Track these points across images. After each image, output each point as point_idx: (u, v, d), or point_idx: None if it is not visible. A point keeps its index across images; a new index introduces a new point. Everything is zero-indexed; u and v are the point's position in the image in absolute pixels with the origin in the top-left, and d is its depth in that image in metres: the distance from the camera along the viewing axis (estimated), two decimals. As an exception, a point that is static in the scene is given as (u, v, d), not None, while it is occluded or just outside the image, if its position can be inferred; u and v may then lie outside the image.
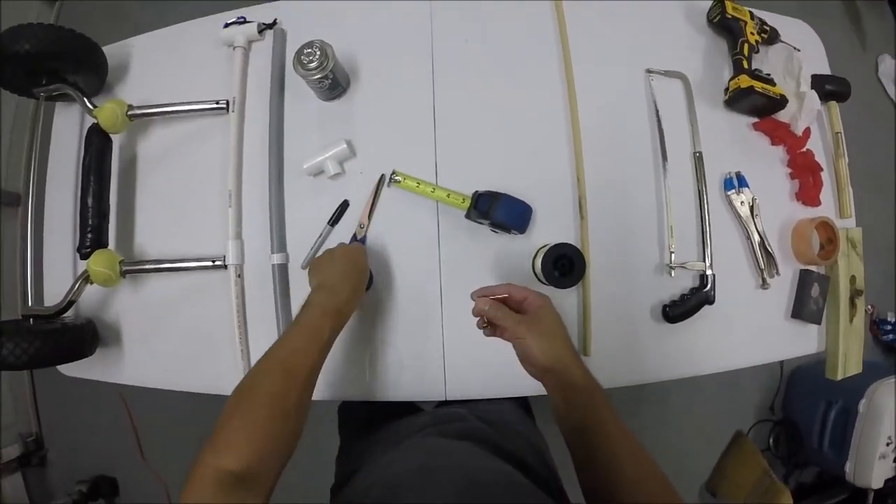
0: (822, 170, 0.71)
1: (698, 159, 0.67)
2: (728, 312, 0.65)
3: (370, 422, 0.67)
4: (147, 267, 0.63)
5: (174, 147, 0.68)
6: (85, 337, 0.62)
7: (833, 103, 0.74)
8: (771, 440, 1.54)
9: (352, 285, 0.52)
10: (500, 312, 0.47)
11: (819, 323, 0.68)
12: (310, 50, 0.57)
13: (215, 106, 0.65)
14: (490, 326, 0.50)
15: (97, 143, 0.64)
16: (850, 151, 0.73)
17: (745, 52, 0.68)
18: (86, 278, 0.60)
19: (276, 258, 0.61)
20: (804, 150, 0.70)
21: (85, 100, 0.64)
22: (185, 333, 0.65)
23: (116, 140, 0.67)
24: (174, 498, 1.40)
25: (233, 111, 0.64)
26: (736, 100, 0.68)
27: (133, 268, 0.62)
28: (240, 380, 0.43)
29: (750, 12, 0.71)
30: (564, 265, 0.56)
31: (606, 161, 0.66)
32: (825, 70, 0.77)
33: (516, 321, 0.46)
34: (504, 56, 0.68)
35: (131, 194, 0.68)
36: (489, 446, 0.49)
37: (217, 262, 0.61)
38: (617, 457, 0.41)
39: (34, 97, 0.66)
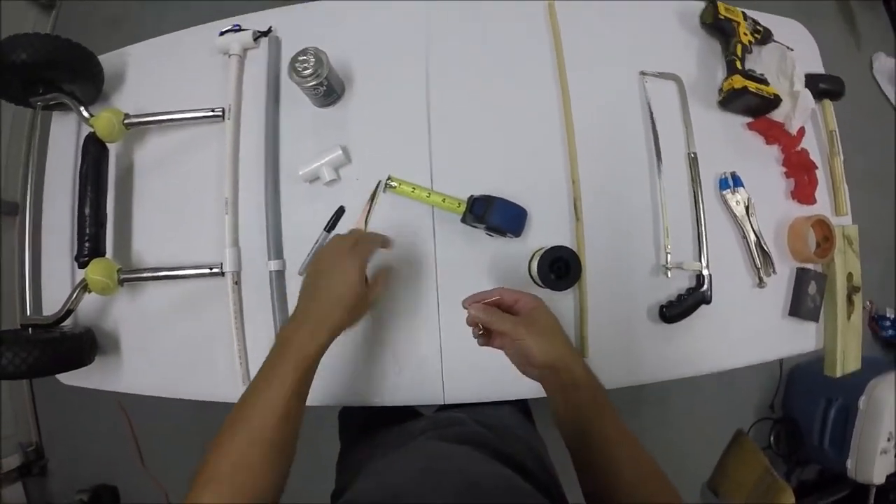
0: (817, 168, 0.71)
1: (693, 160, 0.67)
2: (725, 312, 0.65)
3: (370, 427, 0.67)
4: (145, 275, 0.63)
5: (170, 155, 0.68)
6: (84, 346, 0.62)
7: (827, 102, 0.74)
8: (771, 438, 1.54)
9: (333, 315, 0.44)
10: (494, 317, 0.46)
11: (817, 321, 0.69)
12: (304, 57, 0.57)
13: (211, 114, 0.65)
14: (485, 335, 0.49)
15: (94, 152, 0.64)
16: (845, 150, 0.73)
17: (739, 52, 0.69)
18: (84, 287, 0.60)
19: (273, 265, 0.62)
20: (799, 148, 0.71)
21: (81, 109, 0.64)
22: (184, 341, 0.65)
23: (113, 149, 0.67)
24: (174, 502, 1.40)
25: (228, 119, 0.65)
26: (730, 100, 0.68)
27: (131, 276, 0.62)
28: (235, 401, 0.41)
29: (743, 13, 0.72)
30: (560, 268, 0.56)
31: (601, 163, 0.66)
32: (819, 69, 0.77)
33: (513, 322, 0.45)
34: (497, 60, 0.68)
35: (128, 203, 0.68)
36: (489, 450, 0.49)
37: (214, 270, 0.62)
38: (617, 459, 0.41)
39: (31, 107, 0.66)
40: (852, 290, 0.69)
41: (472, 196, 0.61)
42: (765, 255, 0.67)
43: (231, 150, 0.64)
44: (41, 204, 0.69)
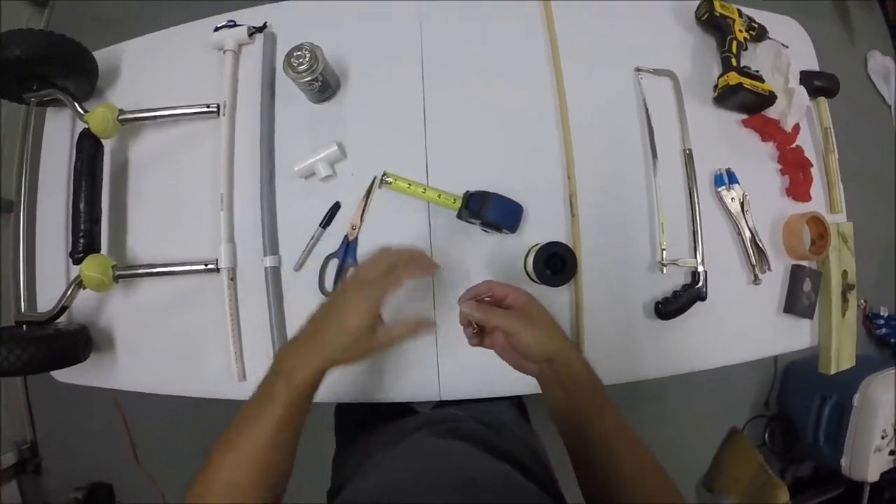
0: (812, 165, 0.71)
1: (688, 156, 0.68)
2: (720, 309, 0.65)
3: (366, 424, 0.67)
4: (140, 271, 0.63)
5: (165, 151, 0.68)
6: (78, 343, 0.62)
7: (822, 99, 0.74)
8: (766, 436, 1.55)
9: (326, 348, 0.41)
10: (488, 313, 0.44)
11: (811, 318, 0.69)
12: (299, 52, 0.57)
13: (206, 110, 0.65)
14: (478, 335, 0.48)
15: (88, 148, 0.63)
16: (840, 147, 0.73)
17: (734, 49, 0.69)
18: (78, 283, 0.60)
19: (269, 261, 0.61)
20: (794, 145, 0.71)
21: (76, 105, 0.64)
22: (179, 338, 0.64)
23: (108, 145, 0.66)
24: (170, 502, 1.39)
25: (224, 115, 0.64)
26: (725, 97, 0.69)
27: (126, 272, 0.62)
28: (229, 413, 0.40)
29: (738, 10, 0.72)
30: (556, 263, 0.56)
31: (597, 159, 0.66)
32: (814, 66, 0.77)
33: (509, 317, 0.43)
34: (493, 56, 0.68)
35: (123, 199, 0.68)
36: (486, 447, 0.49)
37: (210, 266, 0.61)
38: (616, 454, 0.41)
39: (25, 103, 0.65)
40: (847, 288, 0.70)
41: (467, 192, 0.61)
42: (760, 251, 0.67)
43: (226, 145, 0.64)
44: (36, 201, 0.68)
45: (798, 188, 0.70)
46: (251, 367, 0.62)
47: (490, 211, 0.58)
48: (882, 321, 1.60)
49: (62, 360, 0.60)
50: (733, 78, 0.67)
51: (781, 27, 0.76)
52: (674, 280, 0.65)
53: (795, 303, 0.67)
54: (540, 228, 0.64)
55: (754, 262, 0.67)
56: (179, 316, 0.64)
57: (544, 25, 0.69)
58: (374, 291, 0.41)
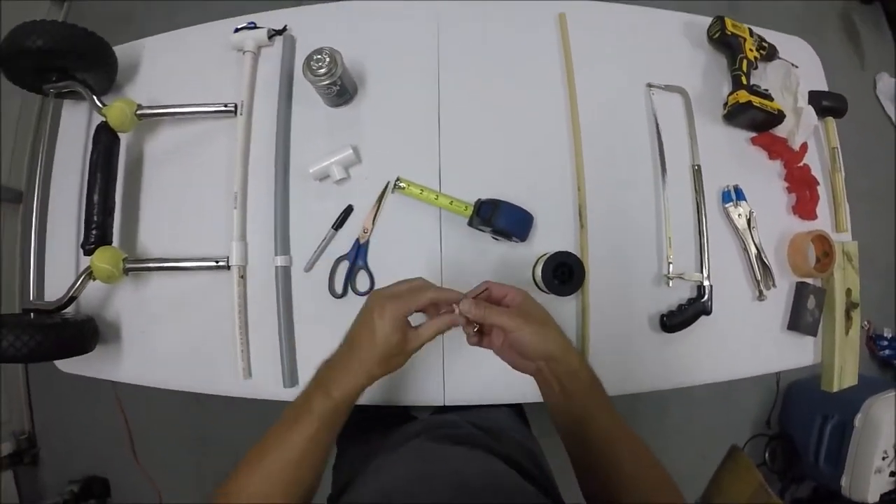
0: (818, 184, 0.72)
1: (697, 172, 0.68)
2: (725, 323, 0.66)
3: (366, 431, 0.67)
4: (150, 265, 0.63)
5: (181, 148, 0.69)
6: (85, 333, 0.62)
7: (830, 119, 0.75)
8: (767, 455, 1.54)
9: (364, 366, 0.42)
10: (486, 310, 0.43)
11: (815, 335, 0.69)
12: (319, 56, 0.58)
13: (223, 109, 0.66)
14: (477, 334, 0.48)
15: (105, 141, 0.64)
16: (848, 168, 0.74)
17: (744, 67, 0.70)
18: (89, 274, 0.60)
19: (280, 260, 0.62)
20: (801, 164, 0.71)
21: (94, 98, 0.65)
22: (186, 333, 0.65)
23: (124, 139, 0.67)
24: (166, 501, 1.38)
25: (241, 114, 0.65)
26: (734, 114, 0.69)
27: (136, 265, 0.63)
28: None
29: (749, 29, 0.73)
30: (564, 273, 0.57)
31: (607, 172, 0.67)
32: (823, 87, 0.78)
33: (506, 315, 0.43)
34: (508, 68, 0.69)
35: (136, 193, 0.68)
36: (484, 451, 0.49)
37: (221, 263, 0.62)
38: (616, 453, 0.41)
39: (43, 93, 0.66)
40: (851, 306, 0.70)
41: (479, 199, 0.61)
42: (765, 268, 0.67)
43: (242, 145, 0.65)
44: (49, 191, 0.69)
45: (804, 206, 0.71)
46: (257, 365, 0.62)
47: (501, 219, 0.59)
48: (886, 342, 1.59)
49: (68, 349, 0.60)
50: (743, 96, 0.68)
51: (791, 47, 0.78)
52: (679, 293, 0.65)
53: (799, 320, 0.67)
54: (549, 238, 0.64)
55: (759, 278, 0.67)
56: (187, 312, 0.65)
57: (559, 39, 0.70)
58: (400, 304, 0.42)
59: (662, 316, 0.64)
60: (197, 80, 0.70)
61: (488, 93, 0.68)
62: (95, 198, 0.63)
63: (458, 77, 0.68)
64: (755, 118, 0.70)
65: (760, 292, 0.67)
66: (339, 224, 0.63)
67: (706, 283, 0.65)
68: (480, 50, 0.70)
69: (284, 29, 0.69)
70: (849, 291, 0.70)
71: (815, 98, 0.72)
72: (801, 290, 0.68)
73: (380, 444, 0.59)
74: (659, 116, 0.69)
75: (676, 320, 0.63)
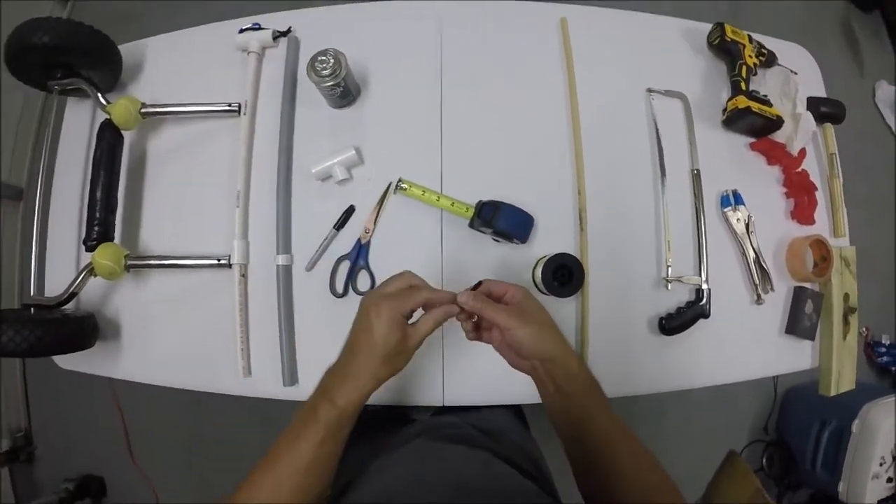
0: (816, 189, 0.72)
1: (696, 176, 0.69)
2: (723, 326, 0.66)
3: (365, 433, 0.67)
4: (152, 262, 0.64)
5: (184, 146, 0.69)
6: (85, 329, 0.62)
7: (828, 125, 0.76)
8: (764, 460, 1.54)
9: (367, 369, 0.41)
10: (486, 305, 0.43)
11: (813, 339, 0.69)
12: (324, 57, 0.58)
13: (227, 108, 0.66)
14: (475, 330, 0.47)
15: (109, 138, 0.64)
16: (846, 175, 0.74)
17: (743, 73, 0.71)
18: (90, 271, 0.60)
19: (281, 259, 0.62)
20: (799, 169, 0.72)
21: (99, 95, 0.65)
22: (186, 331, 0.65)
23: (127, 137, 0.67)
24: (163, 501, 1.38)
25: (244, 114, 0.66)
26: (733, 120, 0.70)
27: (138, 262, 0.63)
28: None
29: (749, 36, 0.74)
30: (564, 275, 0.57)
31: (607, 175, 0.67)
32: (821, 93, 0.79)
33: (506, 313, 0.43)
34: (510, 71, 0.70)
35: (139, 191, 0.69)
36: (484, 451, 0.49)
37: (222, 261, 0.62)
38: (614, 454, 0.41)
39: (48, 90, 0.66)
40: (848, 311, 0.70)
41: (480, 201, 0.62)
42: (763, 272, 0.68)
43: (245, 144, 0.65)
44: (51, 188, 0.69)
45: (802, 211, 0.71)
46: (257, 364, 0.62)
47: (502, 220, 0.59)
48: (884, 349, 1.59)
49: (68, 345, 0.60)
50: (742, 101, 0.68)
51: (791, 54, 0.78)
52: (678, 296, 0.66)
53: (797, 324, 0.68)
54: (549, 241, 0.65)
55: (757, 282, 0.67)
56: (187, 310, 0.65)
57: (560, 43, 0.71)
58: (396, 303, 0.42)
59: (661, 319, 0.64)
60: (200, 80, 0.71)
61: (490, 96, 0.69)
62: (98, 194, 0.63)
63: (460, 80, 0.69)
64: (754, 123, 0.70)
65: (758, 296, 0.67)
66: (340, 224, 0.64)
67: (705, 286, 0.65)
68: (482, 53, 0.70)
69: (289, 30, 0.70)
70: (846, 296, 0.71)
71: (813, 104, 0.72)
72: (798, 295, 0.69)
73: (380, 446, 0.59)
74: (659, 121, 0.70)
75: (675, 323, 0.64)
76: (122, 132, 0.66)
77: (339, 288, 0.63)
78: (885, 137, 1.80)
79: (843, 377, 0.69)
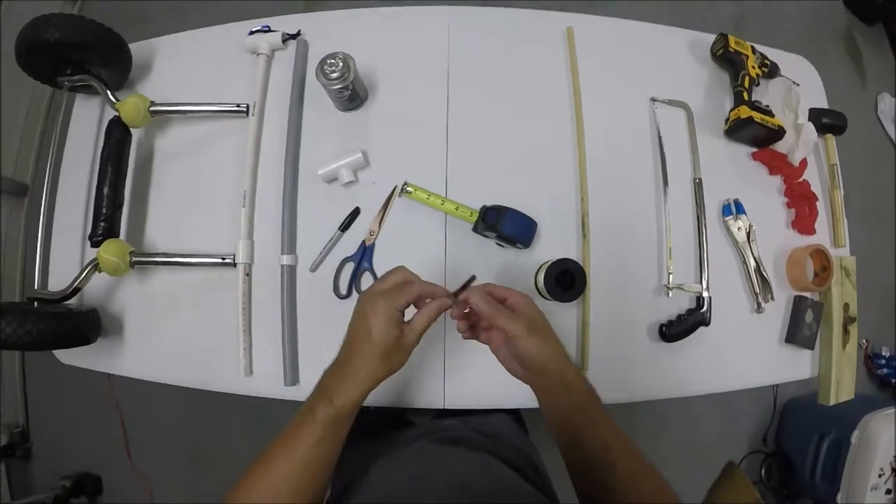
0: (817, 200, 0.73)
1: (698, 185, 0.69)
2: (723, 334, 0.66)
3: (364, 435, 0.67)
4: (157, 259, 0.64)
5: (191, 145, 0.70)
6: (88, 324, 0.62)
7: (830, 136, 0.77)
8: (763, 472, 1.53)
9: (365, 366, 0.41)
10: (495, 309, 0.43)
11: (812, 348, 0.70)
12: (333, 60, 0.59)
13: (236, 109, 0.67)
14: (470, 329, 0.47)
15: (117, 135, 0.65)
16: (848, 186, 0.75)
17: (746, 84, 0.71)
18: (95, 266, 0.61)
19: (286, 259, 0.63)
20: (801, 180, 0.73)
21: (108, 93, 0.66)
22: (188, 329, 0.65)
23: (135, 134, 0.68)
24: (158, 501, 1.37)
25: (253, 115, 0.66)
26: (736, 129, 0.71)
27: (143, 259, 0.63)
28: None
29: (752, 47, 0.75)
30: (566, 280, 0.58)
31: (610, 183, 0.68)
32: (823, 104, 0.80)
33: (513, 320, 0.42)
34: (516, 78, 0.71)
35: (145, 188, 0.69)
36: (485, 453, 0.49)
37: (227, 260, 0.62)
38: (612, 460, 0.41)
39: (58, 86, 0.67)
40: (848, 321, 0.71)
41: (484, 205, 0.62)
42: (764, 281, 0.68)
43: (253, 145, 0.66)
44: (57, 183, 0.70)
45: (803, 221, 0.72)
46: (258, 363, 0.63)
47: (506, 224, 0.60)
48: (883, 361, 1.59)
49: (70, 339, 0.60)
50: (744, 111, 0.69)
51: (793, 65, 0.79)
52: (679, 304, 0.66)
53: (797, 333, 0.68)
54: (551, 246, 0.65)
55: (758, 291, 0.68)
56: (191, 308, 0.65)
57: (566, 51, 0.72)
58: (392, 300, 0.41)
59: (662, 325, 0.65)
60: (208, 81, 0.72)
61: (495, 102, 0.69)
62: (105, 191, 0.63)
63: (466, 86, 0.70)
64: (756, 133, 0.71)
65: (759, 305, 0.68)
66: (345, 226, 0.64)
67: (705, 294, 0.65)
68: (489, 61, 0.71)
69: (298, 33, 0.71)
70: (846, 306, 0.71)
71: (815, 115, 0.73)
72: (799, 304, 0.69)
73: (380, 449, 0.60)
74: (662, 130, 0.71)
75: (676, 330, 0.64)
76: (131, 129, 0.67)
77: (343, 289, 0.63)
78: (886, 150, 1.80)
79: (843, 386, 0.69)
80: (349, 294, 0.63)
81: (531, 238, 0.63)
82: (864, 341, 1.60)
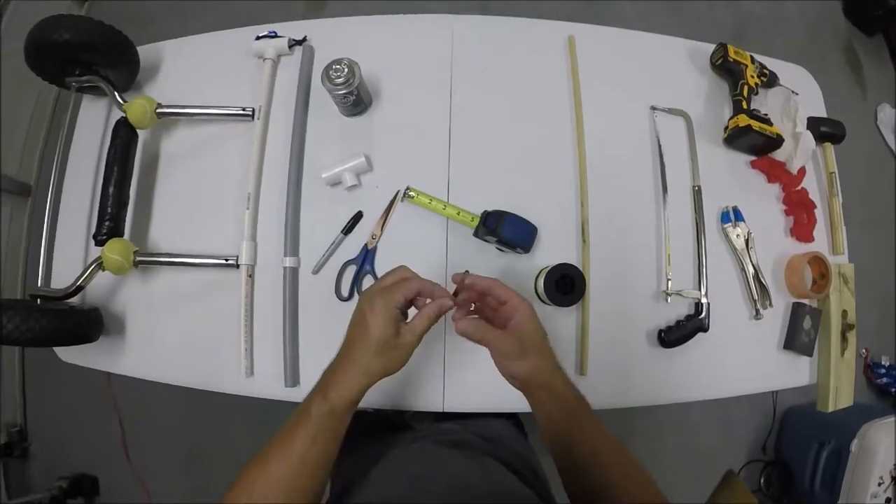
0: (815, 207, 0.73)
1: (697, 193, 0.70)
2: (722, 341, 0.67)
3: (363, 438, 0.67)
4: (160, 259, 0.65)
5: (196, 148, 0.71)
6: (90, 322, 0.62)
7: (828, 145, 0.77)
8: (762, 480, 1.53)
9: (360, 363, 0.41)
10: (487, 331, 0.43)
11: (811, 355, 0.70)
12: (338, 66, 0.60)
13: (241, 112, 0.68)
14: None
15: (124, 136, 0.66)
16: (847, 195, 0.76)
17: (745, 93, 0.72)
18: (98, 264, 0.61)
19: (289, 261, 0.63)
20: (799, 188, 0.73)
21: (116, 94, 0.67)
22: (190, 329, 0.65)
23: (141, 136, 0.69)
24: (155, 501, 1.37)
25: (258, 119, 0.67)
26: (734, 137, 0.72)
27: (146, 259, 0.63)
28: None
29: (751, 56, 0.76)
30: (566, 285, 0.58)
31: (610, 189, 0.68)
32: (822, 114, 0.80)
33: (502, 340, 0.43)
34: (518, 87, 0.72)
35: (150, 189, 0.70)
36: (484, 456, 0.50)
37: (230, 261, 0.63)
38: (603, 464, 0.41)
39: (66, 87, 0.68)
40: (847, 328, 0.71)
41: (485, 210, 0.63)
42: (762, 288, 0.69)
43: (258, 148, 0.67)
44: (62, 183, 0.70)
45: (802, 229, 0.72)
46: (259, 364, 0.63)
47: (507, 229, 0.60)
48: (883, 370, 1.59)
49: (72, 337, 0.60)
50: (743, 120, 0.70)
51: (792, 75, 0.80)
52: (677, 310, 0.67)
53: (795, 340, 0.68)
54: (551, 252, 0.66)
55: (756, 298, 0.68)
56: (193, 308, 0.66)
57: (567, 59, 0.73)
58: (389, 297, 0.41)
59: (660, 331, 0.65)
60: (214, 85, 0.72)
61: (498, 109, 0.70)
62: (111, 190, 0.64)
63: (469, 93, 0.71)
64: (755, 142, 0.72)
65: (757, 311, 0.68)
66: (348, 229, 0.65)
67: (704, 300, 0.66)
68: (492, 68, 0.72)
69: (304, 39, 0.72)
70: (845, 313, 0.71)
71: (813, 124, 0.74)
72: (797, 311, 0.69)
73: (380, 452, 0.60)
74: (661, 138, 0.71)
75: (674, 336, 0.64)
76: (137, 131, 0.67)
77: (345, 292, 0.63)
78: (886, 160, 1.82)
79: (841, 393, 0.69)
80: (351, 297, 0.64)
81: (531, 243, 0.63)
82: (863, 351, 1.61)
